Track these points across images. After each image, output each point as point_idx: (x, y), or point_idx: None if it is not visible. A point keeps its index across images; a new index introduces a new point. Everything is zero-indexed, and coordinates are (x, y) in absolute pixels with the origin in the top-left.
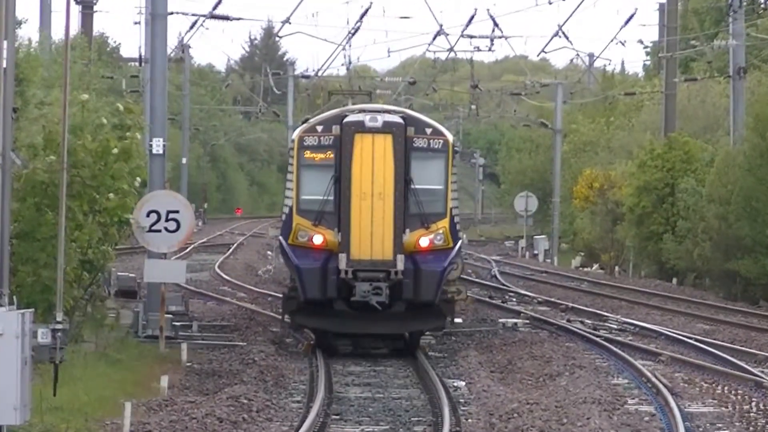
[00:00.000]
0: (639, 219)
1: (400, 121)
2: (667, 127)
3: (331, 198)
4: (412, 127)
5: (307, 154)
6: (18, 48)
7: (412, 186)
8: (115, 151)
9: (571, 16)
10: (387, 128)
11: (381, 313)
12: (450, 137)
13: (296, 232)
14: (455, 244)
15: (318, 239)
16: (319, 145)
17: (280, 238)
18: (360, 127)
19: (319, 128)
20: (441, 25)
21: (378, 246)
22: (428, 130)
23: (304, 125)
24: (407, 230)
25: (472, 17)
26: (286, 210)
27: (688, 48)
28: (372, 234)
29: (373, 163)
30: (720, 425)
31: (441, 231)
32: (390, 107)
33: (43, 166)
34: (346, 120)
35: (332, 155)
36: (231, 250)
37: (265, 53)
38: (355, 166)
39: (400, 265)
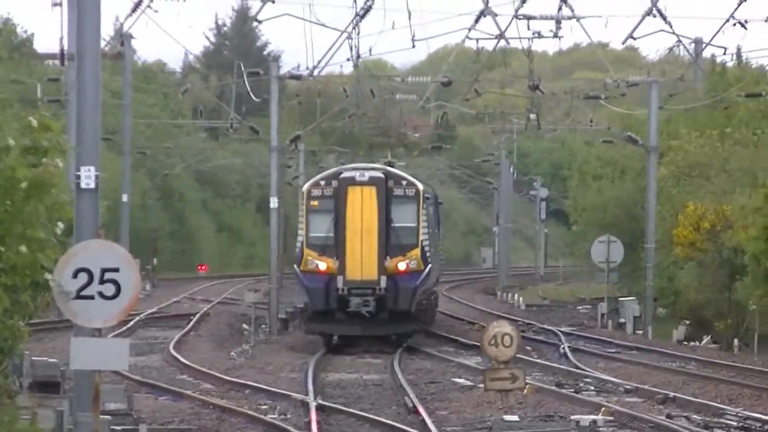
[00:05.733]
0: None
1: (382, 176)
2: None
3: (332, 234)
4: (392, 180)
5: (314, 202)
6: None
7: (392, 224)
8: (24, 184)
9: None
10: (372, 182)
11: (369, 320)
12: (420, 186)
13: (306, 260)
14: (425, 267)
15: (322, 265)
16: (322, 195)
17: (295, 266)
18: (352, 182)
19: (322, 183)
20: (486, 2)
21: (366, 269)
22: (404, 182)
23: (311, 181)
24: (388, 257)
25: None
26: (299, 244)
27: None
28: (362, 261)
29: (362, 208)
30: None
31: (414, 257)
32: (375, 165)
33: None
34: (341, 176)
35: (332, 203)
36: (191, 324)
37: (238, 45)
38: (348, 210)
39: (383, 284)
